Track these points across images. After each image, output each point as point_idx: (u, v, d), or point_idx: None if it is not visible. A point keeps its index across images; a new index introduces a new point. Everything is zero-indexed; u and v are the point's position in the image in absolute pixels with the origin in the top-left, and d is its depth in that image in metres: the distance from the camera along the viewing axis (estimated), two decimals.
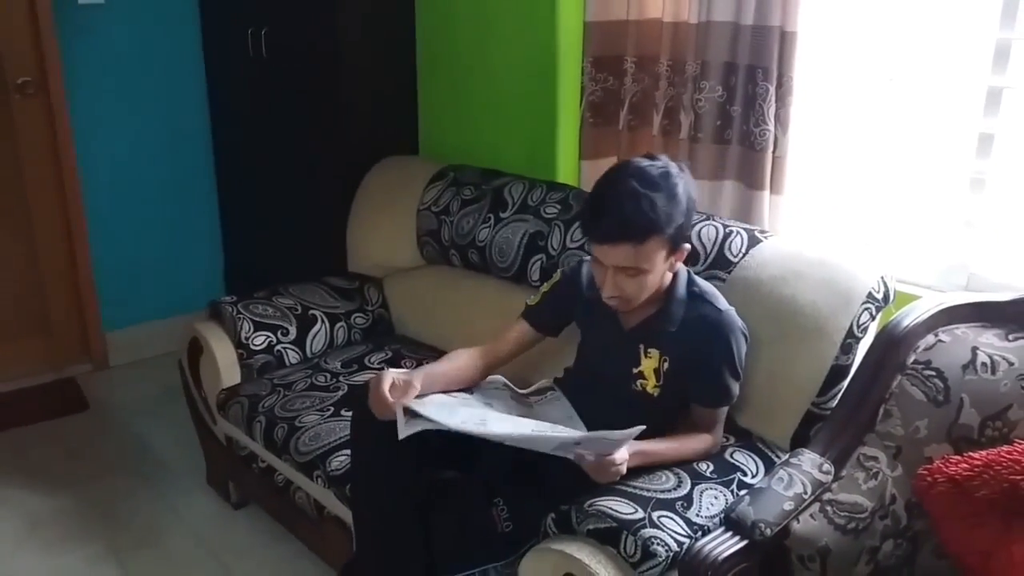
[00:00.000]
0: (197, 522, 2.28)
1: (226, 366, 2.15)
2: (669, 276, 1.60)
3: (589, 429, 1.56)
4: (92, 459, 2.57)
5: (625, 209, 1.45)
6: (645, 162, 1.52)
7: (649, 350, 1.61)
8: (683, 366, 1.60)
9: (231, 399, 2.09)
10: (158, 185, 3.11)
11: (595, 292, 1.62)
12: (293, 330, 2.23)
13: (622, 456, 1.44)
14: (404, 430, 1.49)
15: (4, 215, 2.87)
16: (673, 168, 1.51)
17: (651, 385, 1.62)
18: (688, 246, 1.56)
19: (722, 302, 1.61)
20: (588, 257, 1.66)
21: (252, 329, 2.18)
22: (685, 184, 1.51)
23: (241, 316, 2.18)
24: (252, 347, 2.17)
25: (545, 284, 1.80)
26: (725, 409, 1.63)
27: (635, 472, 1.50)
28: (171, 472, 2.50)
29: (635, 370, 1.62)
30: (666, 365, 1.60)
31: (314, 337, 2.26)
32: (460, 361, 1.71)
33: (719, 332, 1.57)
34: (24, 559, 2.14)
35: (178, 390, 2.39)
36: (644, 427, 1.40)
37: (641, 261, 1.48)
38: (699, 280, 1.64)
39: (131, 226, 3.09)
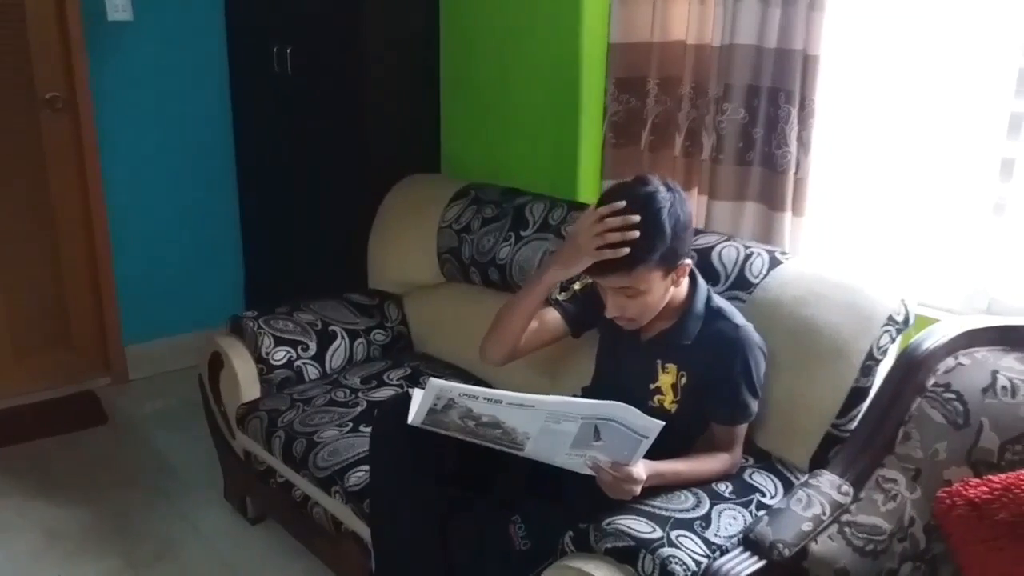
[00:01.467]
0: (214, 537, 2.29)
1: (246, 381, 2.17)
2: (682, 292, 1.61)
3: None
4: (110, 472, 2.59)
5: None
6: (632, 187, 1.53)
7: (667, 365, 1.62)
8: (701, 382, 1.60)
9: (250, 414, 2.11)
10: (181, 200, 3.16)
11: None
12: (313, 346, 2.25)
13: (639, 473, 1.44)
14: (422, 401, 1.44)
15: (30, 228, 2.91)
16: (661, 192, 1.50)
17: (668, 401, 1.62)
18: (688, 261, 1.57)
19: (739, 318, 1.62)
20: None
21: (272, 344, 2.19)
22: (672, 206, 1.50)
23: (262, 331, 2.20)
24: (272, 362, 2.18)
25: (577, 283, 1.80)
26: (744, 427, 1.62)
27: (653, 491, 1.50)
28: (189, 486, 2.51)
29: (652, 386, 1.63)
30: (683, 381, 1.61)
31: (334, 353, 2.27)
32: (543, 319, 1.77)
33: (736, 348, 1.57)
34: (42, 571, 2.15)
35: (197, 404, 2.41)
36: (664, 423, 1.39)
37: (635, 283, 1.51)
38: (717, 297, 1.65)
39: (153, 241, 3.13)
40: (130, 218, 3.05)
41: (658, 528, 1.41)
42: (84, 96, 2.85)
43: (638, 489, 1.45)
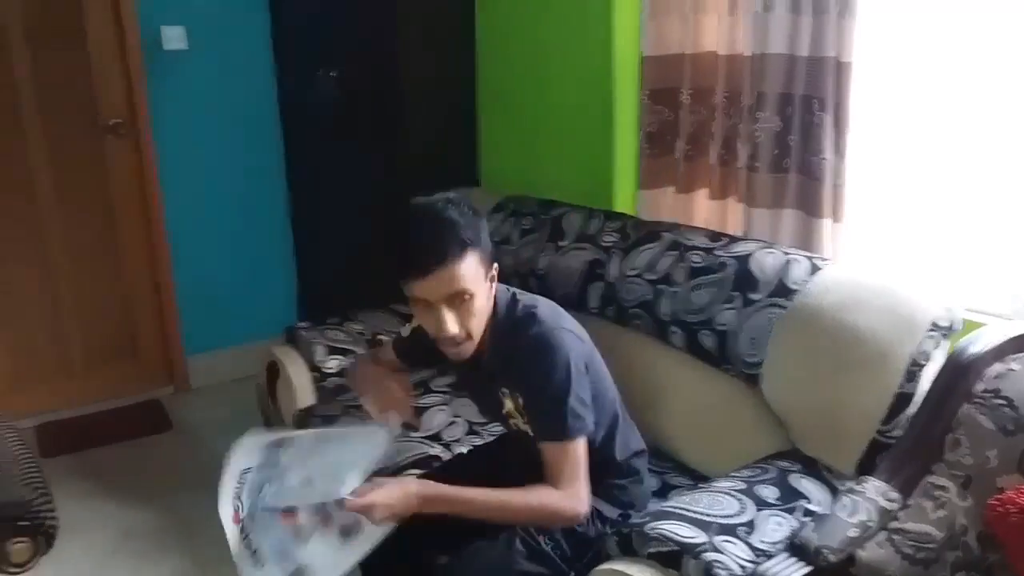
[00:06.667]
0: None
1: (301, 388, 2.24)
2: (490, 308, 1.49)
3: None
4: (176, 476, 2.70)
5: (430, 233, 1.36)
6: (422, 198, 1.46)
7: (503, 390, 1.53)
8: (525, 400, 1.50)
9: (306, 419, 2.18)
10: (236, 218, 3.27)
11: None
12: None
13: (375, 498, 1.35)
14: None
15: (96, 246, 3.07)
16: (452, 195, 1.45)
17: (523, 423, 1.54)
18: (496, 265, 1.48)
19: (542, 318, 1.47)
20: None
21: (326, 353, 2.27)
22: (461, 203, 1.42)
23: (316, 341, 2.28)
24: (325, 370, 2.26)
25: (415, 320, 1.62)
26: (572, 452, 1.44)
27: (693, 499, 1.52)
28: None
29: (504, 412, 1.58)
30: (520, 401, 1.51)
31: None
32: (389, 357, 1.79)
33: (527, 357, 1.45)
34: (117, 569, 2.26)
35: (255, 411, 2.49)
36: (395, 430, 1.37)
37: (468, 282, 1.37)
38: (523, 299, 1.53)
39: (211, 257, 3.25)
40: (189, 236, 3.18)
41: (702, 533, 1.42)
42: (144, 122, 2.99)
43: (382, 514, 1.35)
